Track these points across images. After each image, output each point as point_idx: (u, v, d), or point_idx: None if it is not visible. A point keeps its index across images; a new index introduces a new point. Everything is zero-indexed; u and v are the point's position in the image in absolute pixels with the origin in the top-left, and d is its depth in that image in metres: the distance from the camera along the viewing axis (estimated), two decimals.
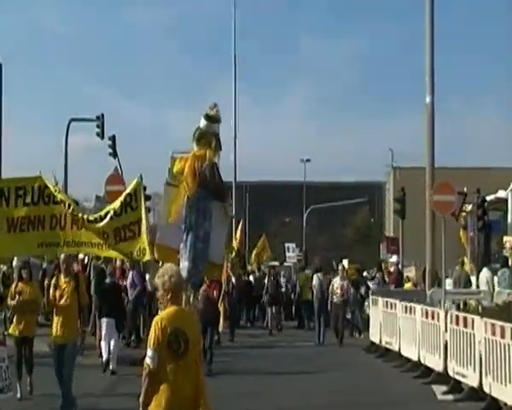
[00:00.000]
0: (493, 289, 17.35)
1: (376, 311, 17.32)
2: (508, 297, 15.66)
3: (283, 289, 27.69)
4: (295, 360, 16.07)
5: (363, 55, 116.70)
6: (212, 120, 9.13)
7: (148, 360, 5.45)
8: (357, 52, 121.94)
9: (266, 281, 24.26)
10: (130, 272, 17.92)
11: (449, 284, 21.28)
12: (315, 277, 21.81)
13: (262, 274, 27.03)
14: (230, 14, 35.71)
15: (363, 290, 22.99)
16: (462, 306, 16.72)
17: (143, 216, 10.53)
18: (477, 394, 11.21)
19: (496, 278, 17.76)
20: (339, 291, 18.87)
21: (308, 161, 58.68)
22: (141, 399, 5.54)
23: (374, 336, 17.43)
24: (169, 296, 5.60)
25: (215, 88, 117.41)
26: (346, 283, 19.58)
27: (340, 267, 20.40)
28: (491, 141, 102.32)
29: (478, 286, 18.10)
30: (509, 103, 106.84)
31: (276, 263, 34.64)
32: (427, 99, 20.43)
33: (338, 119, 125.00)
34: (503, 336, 10.28)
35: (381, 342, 16.74)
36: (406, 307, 14.98)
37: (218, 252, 9.26)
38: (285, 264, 37.85)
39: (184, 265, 8.47)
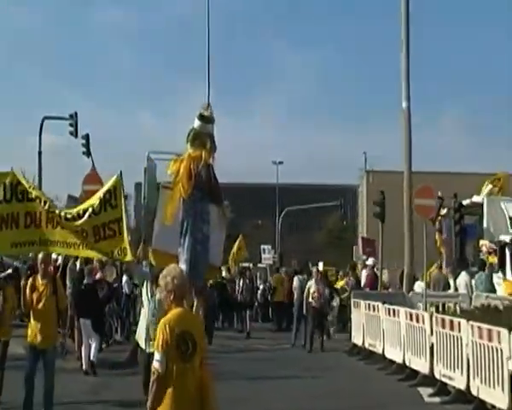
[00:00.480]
0: (472, 292, 17.63)
1: (358, 313, 17.47)
2: (485, 300, 15.91)
3: (260, 291, 27.81)
4: (279, 364, 16.09)
5: (338, 58, 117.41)
6: (206, 120, 9.01)
7: (156, 365, 5.42)
8: (332, 55, 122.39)
9: (241, 283, 24.09)
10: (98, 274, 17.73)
11: (420, 286, 21.58)
12: (295, 279, 21.89)
13: (238, 275, 26.85)
14: (202, 18, 35.67)
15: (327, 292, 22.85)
16: (440, 309, 16.93)
17: (124, 215, 10.23)
18: (464, 396, 11.40)
19: (473, 282, 18.07)
20: (316, 295, 18.82)
21: (281, 163, 59.01)
22: (148, 404, 5.50)
23: (356, 338, 17.58)
24: (172, 298, 5.62)
25: (187, 91, 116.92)
26: (322, 286, 19.65)
27: (314, 270, 20.34)
28: (458, 147, 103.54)
29: (456, 289, 18.38)
30: (473, 112, 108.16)
31: (249, 264, 34.61)
32: (404, 104, 20.74)
33: (312, 121, 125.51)
34: (490, 340, 10.49)
35: (363, 344, 16.89)
36: (390, 310, 15.16)
37: (216, 254, 9.23)
38: (259, 265, 37.88)
39: (182, 268, 8.42)
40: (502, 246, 18.76)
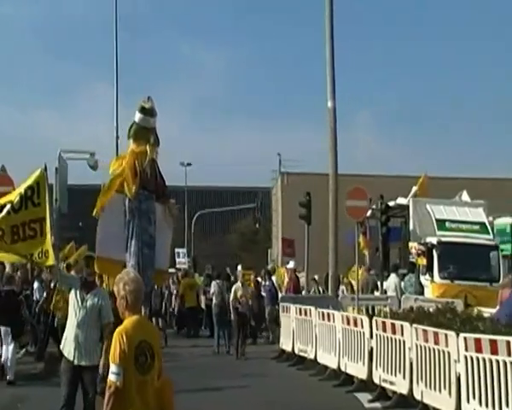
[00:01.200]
0: (400, 294, 17.50)
1: (288, 318, 16.94)
2: (415, 303, 15.77)
3: (173, 297, 26.97)
4: (206, 373, 15.32)
5: (254, 57, 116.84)
6: (149, 113, 8.53)
7: (113, 378, 5.02)
8: (247, 53, 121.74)
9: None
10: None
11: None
12: (213, 284, 21.18)
13: None
14: (103, 15, 34.68)
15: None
16: (370, 311, 16.68)
17: (48, 214, 9.18)
18: (406, 401, 11.11)
19: (403, 284, 17.96)
20: (244, 299, 18.25)
21: (189, 165, 58.02)
22: None
23: (285, 344, 17.05)
24: (125, 305, 5.29)
25: (89, 88, 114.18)
26: (246, 289, 19.12)
27: (239, 273, 19.81)
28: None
29: (385, 292, 18.24)
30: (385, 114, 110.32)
31: None
32: (329, 104, 20.43)
33: (224, 122, 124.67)
34: (436, 343, 10.22)
35: (293, 350, 16.39)
36: (324, 314, 14.72)
37: (163, 257, 8.66)
38: (169, 270, 36.83)
39: None
40: (429, 248, 18.75)
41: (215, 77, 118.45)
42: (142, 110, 8.55)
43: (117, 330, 5.20)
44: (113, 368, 5.04)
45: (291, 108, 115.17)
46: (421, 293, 17.34)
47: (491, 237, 19.25)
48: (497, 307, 14.80)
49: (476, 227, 19.07)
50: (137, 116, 8.58)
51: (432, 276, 18.42)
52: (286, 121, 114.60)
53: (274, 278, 24.64)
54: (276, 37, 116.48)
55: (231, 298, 18.33)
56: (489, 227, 19.33)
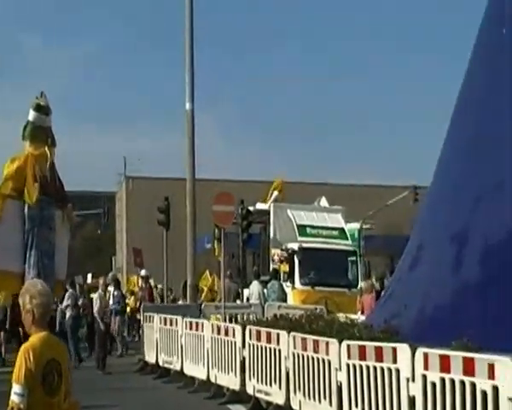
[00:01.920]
0: (264, 301, 17.36)
1: (151, 329, 16.29)
2: (278, 310, 15.73)
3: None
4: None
5: (103, 56, 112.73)
6: (44, 111, 7.91)
7: (16, 399, 4.60)
8: (95, 51, 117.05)
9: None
10: None
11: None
12: (68, 294, 20.04)
13: None
14: None
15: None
16: (233, 320, 16.43)
17: None
18: None
19: (266, 291, 17.83)
20: (108, 309, 17.46)
21: None
22: None
23: (148, 355, 16.38)
24: (31, 319, 4.87)
25: None
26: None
27: (101, 282, 18.95)
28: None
29: (248, 299, 18.03)
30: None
31: None
32: (187, 106, 20.06)
33: (74, 124, 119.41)
34: (316, 351, 10.09)
35: (157, 362, 15.76)
36: (192, 324, 14.24)
37: (62, 266, 8.04)
38: None
39: None
40: (290, 254, 18.78)
41: (63, 75, 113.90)
42: (37, 108, 7.99)
43: (23, 346, 4.80)
44: (16, 389, 4.64)
45: (143, 112, 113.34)
46: (285, 300, 17.31)
47: (349, 242, 19.67)
48: (359, 313, 15.19)
49: (335, 233, 19.38)
50: (32, 115, 7.99)
51: (293, 282, 18.50)
52: (137, 125, 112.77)
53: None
54: (131, 34, 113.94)
55: (96, 308, 17.37)
56: (347, 233, 19.73)
